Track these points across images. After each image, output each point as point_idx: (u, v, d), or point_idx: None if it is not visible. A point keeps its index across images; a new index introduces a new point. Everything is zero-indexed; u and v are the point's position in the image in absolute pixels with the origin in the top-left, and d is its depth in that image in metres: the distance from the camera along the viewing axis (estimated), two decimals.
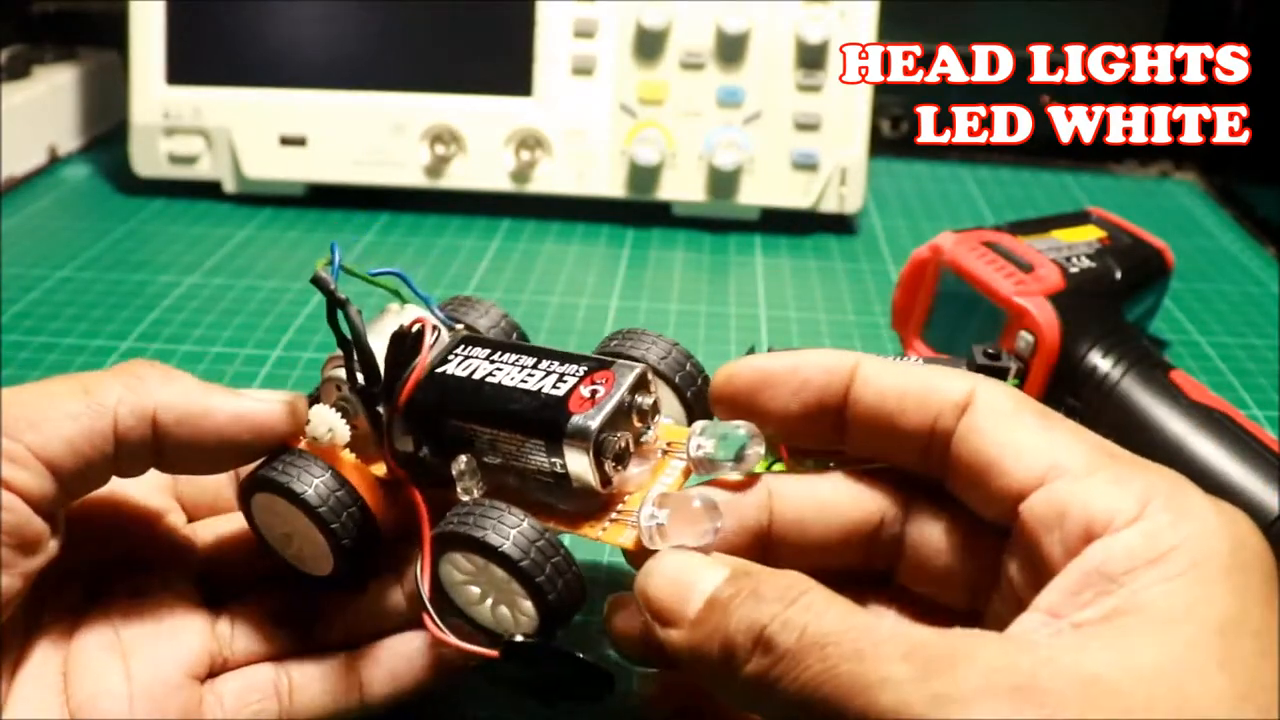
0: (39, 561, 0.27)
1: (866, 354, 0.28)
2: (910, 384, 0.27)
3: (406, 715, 0.32)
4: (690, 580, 0.26)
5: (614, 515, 0.29)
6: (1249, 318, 0.60)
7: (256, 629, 0.31)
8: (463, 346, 0.31)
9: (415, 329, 0.30)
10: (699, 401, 0.32)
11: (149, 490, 0.33)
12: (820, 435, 0.29)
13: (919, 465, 0.28)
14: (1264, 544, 0.23)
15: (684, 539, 0.27)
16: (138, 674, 0.29)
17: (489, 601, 0.29)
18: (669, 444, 0.30)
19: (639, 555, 0.27)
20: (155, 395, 0.28)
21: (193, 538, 0.33)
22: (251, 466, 0.30)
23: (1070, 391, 0.44)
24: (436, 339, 0.30)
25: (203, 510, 0.34)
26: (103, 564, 0.31)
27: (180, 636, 0.30)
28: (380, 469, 0.31)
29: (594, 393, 0.28)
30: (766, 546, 0.29)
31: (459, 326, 0.33)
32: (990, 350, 0.37)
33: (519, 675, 0.28)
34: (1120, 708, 0.20)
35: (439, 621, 0.28)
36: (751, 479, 0.29)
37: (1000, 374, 0.36)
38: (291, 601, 0.32)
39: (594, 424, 0.28)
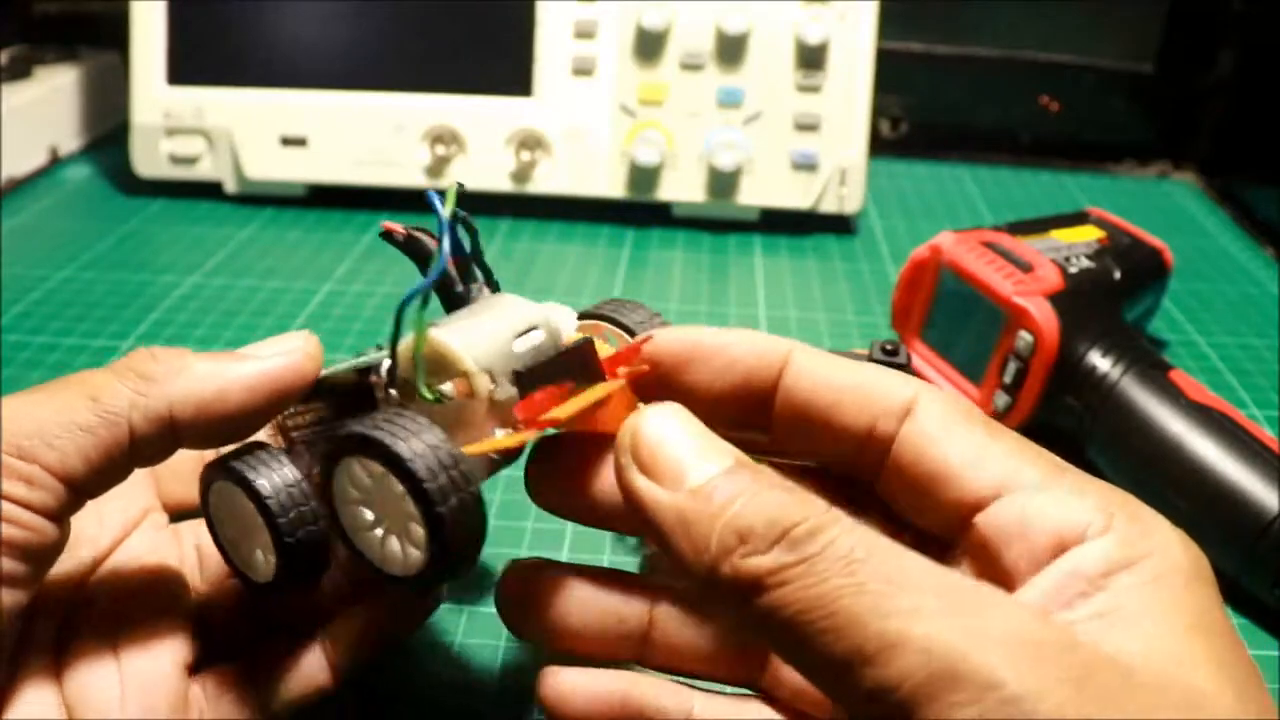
0: (49, 566, 0.27)
1: (799, 343, 0.27)
2: (848, 381, 0.26)
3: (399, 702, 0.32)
4: (704, 444, 0.24)
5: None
6: (1247, 317, 0.60)
7: (235, 630, 0.31)
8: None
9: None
10: None
11: (130, 498, 0.32)
12: (744, 421, 0.27)
13: (845, 465, 0.27)
14: (1205, 558, 0.24)
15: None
16: (129, 667, 0.29)
17: (378, 531, 0.27)
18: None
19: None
20: (168, 394, 0.27)
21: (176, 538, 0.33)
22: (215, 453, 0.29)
23: (1069, 391, 0.44)
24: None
25: (181, 500, 0.34)
26: (84, 581, 0.31)
27: (170, 631, 0.30)
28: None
29: None
30: None
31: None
32: (888, 346, 0.38)
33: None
34: (1135, 684, 0.20)
35: None
36: None
37: (899, 370, 0.37)
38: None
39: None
